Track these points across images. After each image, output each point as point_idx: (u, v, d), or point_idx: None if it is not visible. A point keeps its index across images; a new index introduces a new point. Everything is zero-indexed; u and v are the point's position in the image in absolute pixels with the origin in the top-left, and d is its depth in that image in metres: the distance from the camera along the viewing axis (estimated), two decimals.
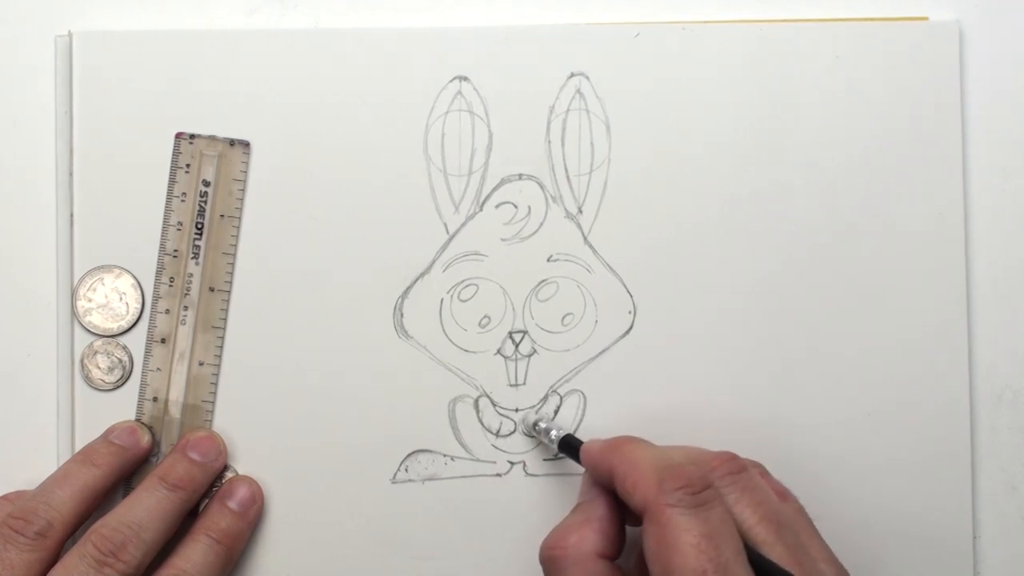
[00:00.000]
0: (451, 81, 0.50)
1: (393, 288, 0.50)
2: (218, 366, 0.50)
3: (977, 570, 0.51)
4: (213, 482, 0.49)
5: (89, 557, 0.44)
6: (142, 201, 0.50)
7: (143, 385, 0.49)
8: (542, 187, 0.51)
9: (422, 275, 0.50)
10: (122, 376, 0.49)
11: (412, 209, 0.50)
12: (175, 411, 0.49)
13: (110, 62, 0.50)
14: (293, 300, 0.50)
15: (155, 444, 0.49)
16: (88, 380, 0.49)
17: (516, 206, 0.51)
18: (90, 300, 0.49)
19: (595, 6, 0.52)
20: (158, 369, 0.49)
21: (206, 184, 0.50)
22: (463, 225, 0.50)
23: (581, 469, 0.50)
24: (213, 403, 0.50)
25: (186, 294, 0.49)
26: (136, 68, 0.50)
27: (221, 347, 0.50)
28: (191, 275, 0.49)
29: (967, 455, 0.51)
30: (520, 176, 0.51)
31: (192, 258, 0.49)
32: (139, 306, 0.49)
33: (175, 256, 0.49)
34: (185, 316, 0.49)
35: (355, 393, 0.50)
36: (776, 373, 0.51)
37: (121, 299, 0.49)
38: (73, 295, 0.49)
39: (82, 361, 0.49)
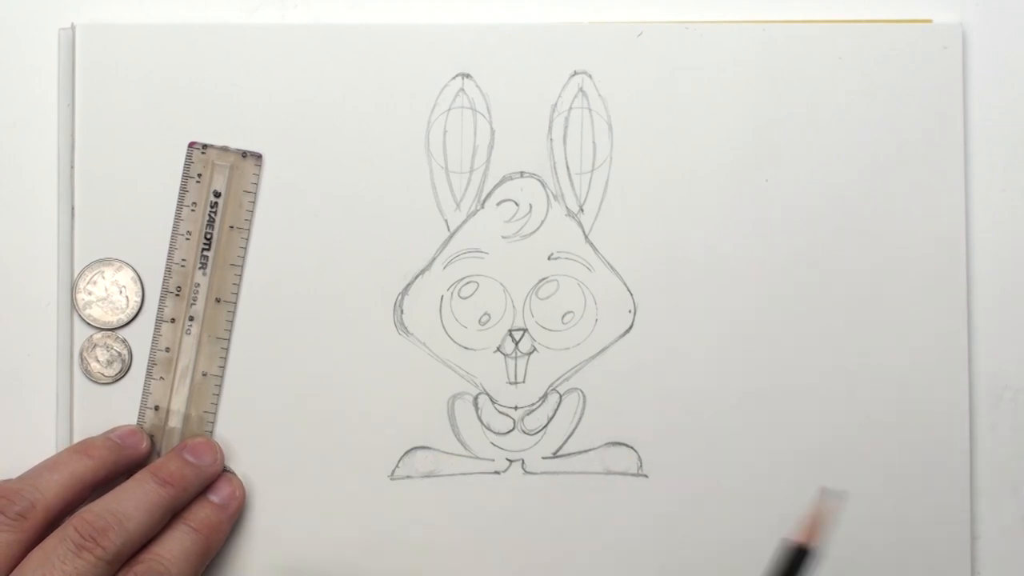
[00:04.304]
0: (453, 78, 0.50)
1: (393, 285, 0.50)
2: (221, 376, 0.50)
3: (976, 570, 0.51)
4: (207, 486, 0.49)
5: (69, 540, 0.43)
6: (143, 195, 0.50)
7: (145, 394, 0.49)
8: (543, 185, 0.51)
9: (422, 272, 0.50)
10: (121, 369, 0.49)
11: (413, 206, 0.50)
12: (176, 421, 0.49)
13: (113, 55, 0.50)
14: (295, 299, 0.50)
15: (154, 452, 0.49)
16: (87, 373, 0.49)
17: (517, 204, 0.51)
18: (90, 293, 0.49)
19: (598, 5, 0.52)
20: (161, 378, 0.49)
21: (216, 195, 0.50)
22: (464, 222, 0.50)
23: (579, 468, 0.50)
24: (215, 413, 0.50)
25: (192, 304, 0.49)
26: (139, 62, 0.50)
27: (225, 358, 0.50)
28: (198, 285, 0.49)
29: (967, 455, 0.51)
30: (522, 174, 0.51)
31: (200, 268, 0.49)
32: (139, 299, 0.49)
33: (183, 266, 0.49)
34: (190, 327, 0.49)
35: (354, 389, 0.50)
36: (776, 372, 0.51)
37: (121, 292, 0.49)
38: (73, 288, 0.49)
39: (81, 354, 0.49)
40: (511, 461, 0.50)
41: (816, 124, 0.51)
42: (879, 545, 0.51)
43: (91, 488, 0.47)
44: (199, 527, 0.47)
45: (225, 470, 0.49)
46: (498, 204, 0.51)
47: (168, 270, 0.50)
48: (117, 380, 0.49)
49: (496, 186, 0.51)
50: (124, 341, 0.50)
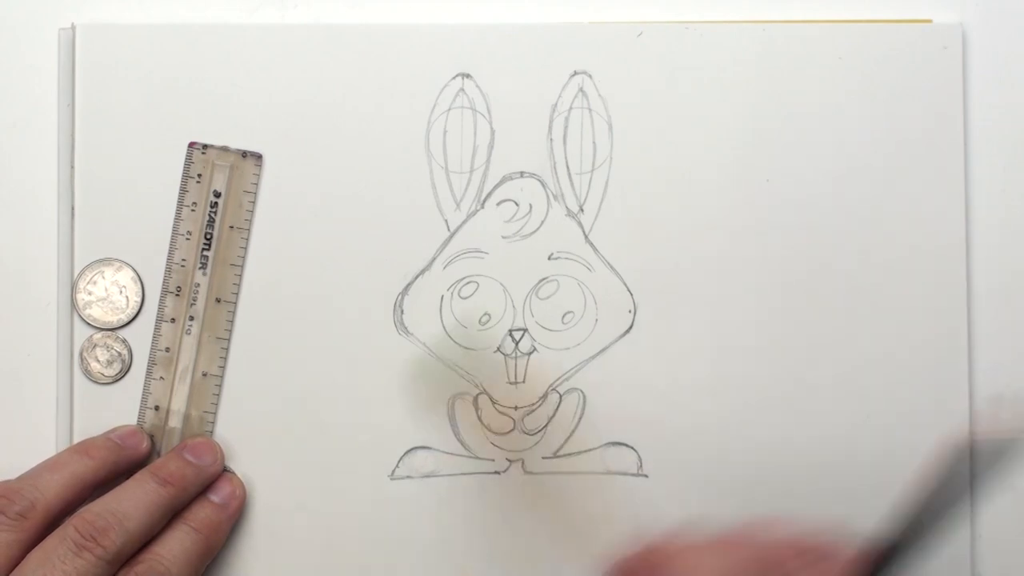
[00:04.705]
0: (454, 78, 0.50)
1: (393, 285, 0.50)
2: (221, 376, 0.50)
3: (976, 570, 0.51)
4: (207, 486, 0.49)
5: (69, 540, 0.43)
6: (143, 195, 0.50)
7: (145, 394, 0.49)
8: (543, 185, 0.51)
9: (422, 272, 0.50)
10: (121, 370, 0.49)
11: (413, 206, 0.50)
12: (176, 421, 0.49)
13: (113, 55, 0.50)
14: (295, 299, 0.50)
15: (154, 452, 0.49)
16: (87, 373, 0.49)
17: (517, 204, 0.51)
18: (90, 293, 0.49)
19: (598, 5, 0.52)
20: (161, 378, 0.49)
21: (216, 195, 0.50)
22: (464, 222, 0.50)
23: (579, 468, 0.50)
24: (215, 413, 0.50)
25: (192, 304, 0.49)
26: (139, 62, 0.50)
27: (225, 358, 0.50)
28: (198, 285, 0.49)
29: (967, 455, 0.51)
30: (522, 174, 0.51)
31: (200, 268, 0.49)
32: (139, 299, 0.49)
33: (183, 266, 0.49)
34: (190, 327, 0.49)
35: (355, 389, 0.50)
36: (776, 373, 0.51)
37: (121, 292, 0.49)
38: (73, 288, 0.49)
39: (81, 354, 0.49)
40: (511, 461, 0.50)
41: (816, 124, 0.51)
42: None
43: (91, 488, 0.47)
44: (199, 527, 0.47)
45: (225, 470, 0.49)
46: (498, 204, 0.51)
47: (168, 270, 0.50)
48: (117, 380, 0.49)
49: (496, 186, 0.51)
50: (124, 341, 0.49)
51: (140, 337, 0.50)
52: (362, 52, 0.50)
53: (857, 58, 0.51)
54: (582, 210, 0.51)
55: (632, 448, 0.50)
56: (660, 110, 0.51)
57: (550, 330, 0.51)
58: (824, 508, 0.50)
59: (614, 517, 0.50)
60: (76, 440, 0.49)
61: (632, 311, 0.51)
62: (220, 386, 0.50)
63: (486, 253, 0.50)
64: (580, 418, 0.51)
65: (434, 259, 0.50)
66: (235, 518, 0.49)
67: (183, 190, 0.50)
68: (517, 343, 0.50)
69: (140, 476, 0.47)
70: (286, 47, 0.50)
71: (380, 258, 0.50)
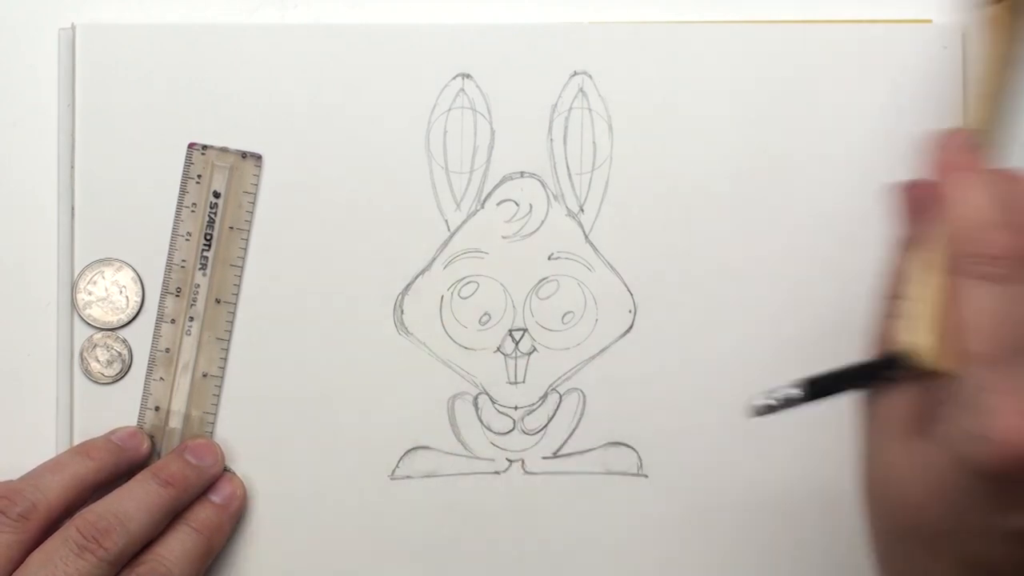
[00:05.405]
0: (454, 78, 0.50)
1: (394, 285, 0.50)
2: (222, 377, 0.50)
3: None
4: (208, 487, 0.49)
5: (71, 542, 0.44)
6: (143, 195, 0.50)
7: (145, 394, 0.49)
8: (544, 185, 0.51)
9: (423, 272, 0.50)
10: (121, 370, 0.49)
11: (413, 206, 0.50)
12: (176, 421, 0.49)
13: (113, 55, 0.50)
14: (295, 299, 0.50)
15: (155, 453, 0.49)
16: (87, 373, 0.49)
17: (517, 204, 0.51)
18: (90, 293, 0.49)
19: (598, 5, 0.52)
20: (161, 379, 0.49)
21: (216, 196, 0.50)
22: (464, 222, 0.50)
23: (579, 468, 0.50)
24: (215, 414, 0.50)
25: (192, 304, 0.49)
26: (139, 62, 0.50)
27: (225, 358, 0.50)
28: (198, 286, 0.49)
29: None
30: (522, 174, 0.51)
31: (200, 269, 0.49)
32: (139, 299, 0.49)
33: (183, 266, 0.49)
34: (190, 327, 0.49)
35: (355, 389, 0.50)
36: (777, 373, 0.51)
37: (121, 292, 0.49)
38: (73, 288, 0.49)
39: (81, 354, 0.49)
40: (511, 461, 0.51)
41: (815, 124, 0.51)
42: None
43: (92, 489, 0.47)
44: (200, 527, 0.47)
45: (226, 470, 0.49)
46: (498, 204, 0.51)
47: (168, 270, 0.50)
48: (117, 380, 0.49)
49: (496, 186, 0.51)
50: (124, 341, 0.50)
51: (140, 337, 0.50)
52: (362, 52, 0.50)
53: (857, 58, 0.51)
54: (582, 210, 0.51)
55: (632, 448, 0.50)
56: (660, 110, 0.51)
57: (550, 330, 0.51)
58: (827, 509, 0.51)
59: (614, 517, 0.50)
60: (76, 440, 0.49)
61: (632, 311, 0.51)
62: (220, 386, 0.50)
63: (486, 253, 0.50)
64: (580, 418, 0.51)
65: (434, 259, 0.50)
66: (236, 518, 0.49)
67: (183, 191, 0.50)
68: (517, 343, 0.50)
69: (141, 477, 0.47)
70: (286, 47, 0.50)
71: (380, 258, 0.50)
